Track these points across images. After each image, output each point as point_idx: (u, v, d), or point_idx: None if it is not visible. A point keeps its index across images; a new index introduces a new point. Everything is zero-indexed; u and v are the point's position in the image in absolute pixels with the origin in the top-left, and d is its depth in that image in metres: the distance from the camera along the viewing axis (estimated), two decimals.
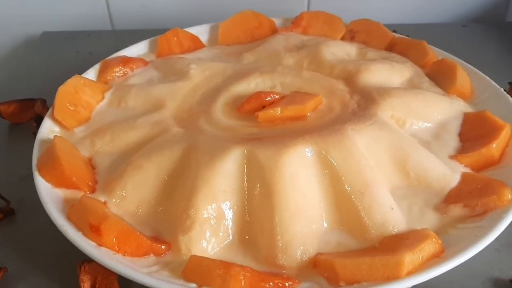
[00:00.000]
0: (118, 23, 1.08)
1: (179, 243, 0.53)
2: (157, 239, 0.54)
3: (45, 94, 0.78)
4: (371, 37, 0.83)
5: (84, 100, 0.71)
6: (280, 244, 0.52)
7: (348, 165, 0.56)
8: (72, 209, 0.55)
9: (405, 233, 0.53)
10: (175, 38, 0.84)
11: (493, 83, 0.72)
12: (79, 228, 0.53)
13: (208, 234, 0.53)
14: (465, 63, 0.76)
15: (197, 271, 0.49)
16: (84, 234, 0.53)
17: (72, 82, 0.71)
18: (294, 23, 0.87)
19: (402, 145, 0.60)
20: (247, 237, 0.54)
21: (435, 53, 0.78)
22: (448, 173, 0.59)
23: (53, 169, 0.59)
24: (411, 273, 0.48)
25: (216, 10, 1.01)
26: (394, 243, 0.51)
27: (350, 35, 0.85)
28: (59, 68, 0.91)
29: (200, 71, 0.75)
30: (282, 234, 0.52)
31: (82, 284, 0.52)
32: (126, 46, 0.84)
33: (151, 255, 0.53)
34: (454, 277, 0.53)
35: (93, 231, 0.52)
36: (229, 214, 0.55)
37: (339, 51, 0.79)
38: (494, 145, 0.60)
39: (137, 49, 0.84)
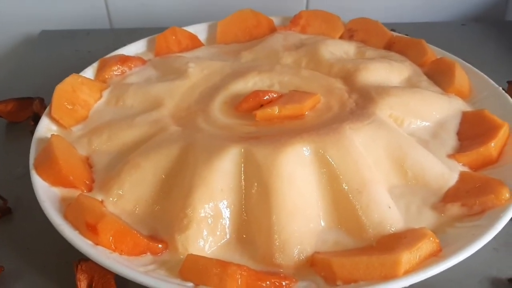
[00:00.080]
0: (116, 21, 1.07)
1: (176, 242, 0.53)
2: (154, 238, 0.54)
3: (43, 92, 0.77)
4: (369, 36, 0.83)
5: (82, 99, 0.71)
6: (277, 243, 0.52)
7: (345, 164, 0.56)
8: (69, 208, 0.55)
9: (403, 232, 0.53)
10: (173, 37, 0.84)
11: (492, 82, 0.72)
12: (76, 227, 0.53)
13: (205, 233, 0.53)
14: (463, 62, 0.76)
15: (194, 270, 0.49)
16: (81, 233, 0.52)
17: (70, 80, 0.71)
18: (292, 22, 0.87)
19: (400, 144, 0.60)
20: (244, 236, 0.54)
21: (434, 52, 0.78)
22: (446, 172, 0.59)
23: (50, 168, 0.59)
24: (408, 272, 0.48)
25: (215, 8, 1.01)
26: (392, 242, 0.51)
27: (349, 34, 0.84)
28: (57, 67, 0.91)
29: (199, 70, 0.75)
30: (279, 233, 0.52)
31: (78, 283, 0.52)
32: (125, 45, 0.84)
33: (148, 254, 0.53)
34: (452, 276, 0.53)
35: (90, 230, 0.52)
36: (226, 213, 0.55)
37: (338, 50, 0.79)
38: (492, 144, 0.60)
39: (135, 48, 0.84)
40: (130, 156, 0.61)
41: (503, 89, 0.71)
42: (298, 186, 0.54)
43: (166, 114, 0.67)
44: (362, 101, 0.66)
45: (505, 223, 0.52)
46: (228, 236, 0.54)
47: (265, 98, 0.65)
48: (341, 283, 0.49)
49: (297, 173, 0.55)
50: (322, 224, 0.55)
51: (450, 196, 0.57)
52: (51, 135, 0.63)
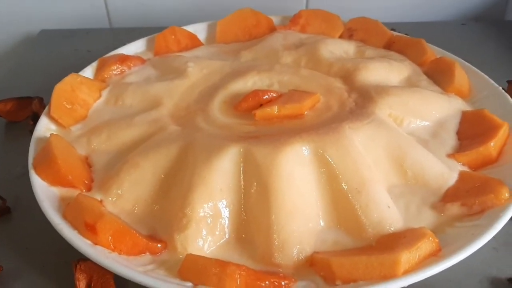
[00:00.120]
0: (116, 21, 1.07)
1: (175, 242, 0.52)
2: (153, 237, 0.54)
3: (42, 92, 0.77)
4: (369, 35, 0.83)
5: (81, 98, 0.71)
6: (276, 243, 0.51)
7: (345, 163, 0.56)
8: (68, 208, 0.55)
9: (402, 231, 0.52)
10: (173, 36, 0.84)
11: (492, 81, 0.72)
12: (74, 226, 0.53)
13: (204, 232, 0.53)
14: (463, 61, 0.76)
15: (193, 269, 0.49)
16: (80, 232, 0.52)
17: (69, 80, 0.71)
18: (292, 21, 0.87)
19: (399, 144, 0.60)
20: (243, 235, 0.54)
21: (434, 52, 0.78)
22: (445, 172, 0.59)
23: (49, 167, 0.59)
24: (407, 272, 0.47)
25: (214, 8, 1.01)
26: (391, 242, 0.51)
27: (349, 33, 0.84)
28: (57, 66, 0.91)
29: (198, 69, 0.75)
30: (278, 232, 0.52)
31: (77, 283, 0.51)
32: (124, 44, 0.84)
33: (147, 253, 0.53)
34: (451, 276, 0.53)
35: (89, 229, 0.52)
36: (225, 213, 0.54)
37: (337, 49, 0.78)
38: (492, 144, 0.60)
39: (134, 47, 0.84)
40: (129, 155, 0.61)
41: (503, 88, 0.71)
42: (298, 186, 0.54)
43: (165, 114, 0.67)
44: (361, 101, 0.66)
45: (505, 223, 0.52)
46: (227, 236, 0.54)
47: (264, 97, 0.65)
48: (340, 283, 0.49)
49: (296, 172, 0.55)
50: (322, 223, 0.55)
51: (450, 195, 0.56)
52: (50, 134, 0.63)
